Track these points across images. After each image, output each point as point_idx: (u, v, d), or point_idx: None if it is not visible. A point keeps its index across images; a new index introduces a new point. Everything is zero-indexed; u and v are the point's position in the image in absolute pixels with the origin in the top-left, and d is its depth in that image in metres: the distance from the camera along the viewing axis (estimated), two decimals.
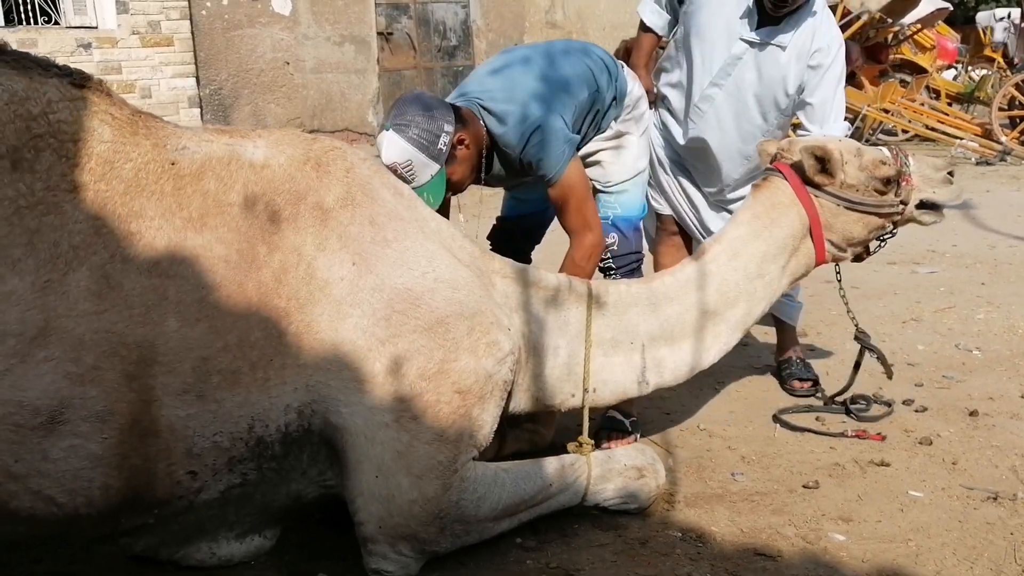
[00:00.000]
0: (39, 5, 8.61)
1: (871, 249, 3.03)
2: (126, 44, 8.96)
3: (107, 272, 1.98)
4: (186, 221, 2.10)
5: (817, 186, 2.79)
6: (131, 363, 1.97)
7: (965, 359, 4.07)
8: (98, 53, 8.78)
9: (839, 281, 3.18)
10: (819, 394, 3.60)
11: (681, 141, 3.49)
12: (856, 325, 3.24)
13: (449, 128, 2.76)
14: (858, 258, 3.06)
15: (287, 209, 2.22)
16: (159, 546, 2.23)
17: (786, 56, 3.22)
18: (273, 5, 9.96)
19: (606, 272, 3.38)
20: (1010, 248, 6.37)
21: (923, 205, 2.93)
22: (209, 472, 2.09)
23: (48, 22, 8.71)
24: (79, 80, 2.11)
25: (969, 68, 15.39)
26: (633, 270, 3.36)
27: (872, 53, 12.29)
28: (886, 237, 2.98)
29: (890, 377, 3.32)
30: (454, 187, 2.91)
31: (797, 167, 2.81)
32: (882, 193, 2.82)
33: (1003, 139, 11.42)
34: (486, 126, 2.94)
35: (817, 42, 3.21)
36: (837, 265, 3.07)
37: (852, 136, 3.83)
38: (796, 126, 3.52)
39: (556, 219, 3.18)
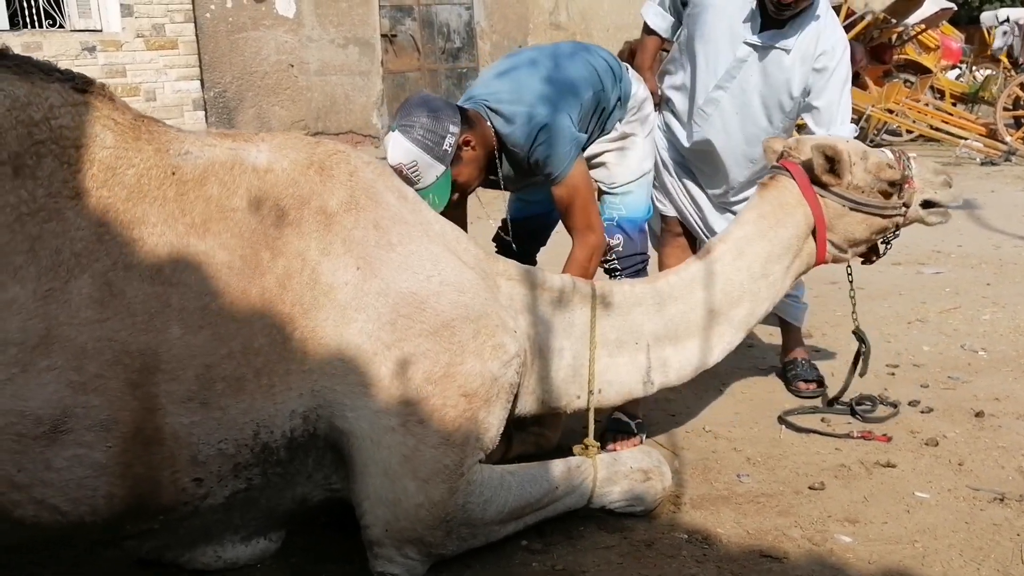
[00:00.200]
0: (43, 8, 8.63)
1: (880, 251, 3.03)
2: (130, 47, 8.97)
3: (109, 279, 1.97)
4: (189, 227, 2.09)
5: (824, 186, 2.78)
6: (134, 371, 1.96)
7: (971, 360, 4.06)
8: (102, 56, 8.79)
9: (851, 282, 3.18)
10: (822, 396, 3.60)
11: (685, 143, 3.49)
12: (856, 323, 3.24)
13: (455, 129, 2.76)
14: (867, 260, 3.06)
15: (291, 214, 2.21)
16: (164, 549, 2.23)
17: (790, 59, 3.22)
18: (277, 8, 9.97)
19: (611, 273, 3.38)
20: (1015, 248, 6.35)
21: (926, 204, 2.94)
22: (214, 479, 2.09)
23: (53, 25, 8.73)
24: (81, 85, 2.09)
25: (973, 68, 15.35)
26: (638, 271, 3.36)
27: (876, 53, 12.29)
28: (889, 239, 2.99)
29: (862, 375, 3.33)
30: (461, 188, 2.91)
31: (806, 166, 2.80)
32: (886, 196, 2.83)
33: (1008, 139, 11.40)
34: (494, 127, 2.94)
35: (822, 45, 3.20)
36: (849, 266, 3.07)
37: (857, 137, 3.82)
38: (801, 127, 3.52)
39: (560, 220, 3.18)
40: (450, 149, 2.75)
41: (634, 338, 2.69)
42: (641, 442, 3.18)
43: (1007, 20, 14.77)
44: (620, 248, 3.31)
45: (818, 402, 3.59)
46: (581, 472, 2.56)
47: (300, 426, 2.17)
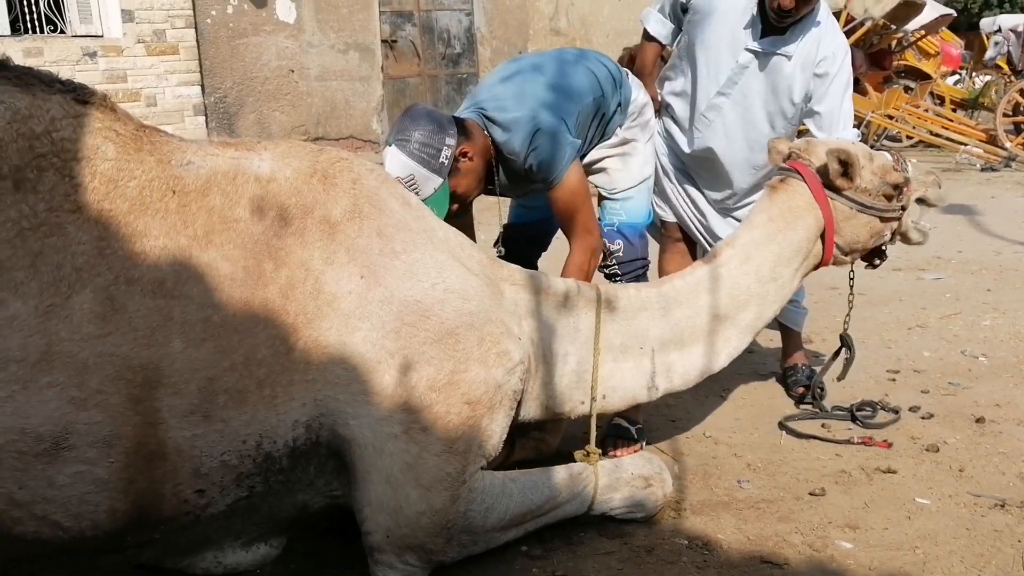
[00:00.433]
0: (45, 14, 8.65)
1: (886, 253, 3.04)
2: (131, 53, 9.00)
3: (111, 294, 1.95)
4: (191, 239, 2.07)
5: (836, 189, 2.79)
6: (136, 386, 1.95)
7: (971, 365, 4.07)
8: (103, 62, 8.81)
9: (851, 287, 3.18)
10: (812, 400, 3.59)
11: (686, 150, 3.49)
12: (846, 327, 3.24)
13: (451, 141, 2.79)
14: (872, 264, 3.07)
15: (294, 223, 2.20)
16: (164, 556, 2.23)
17: (791, 65, 3.23)
18: (278, 13, 10.00)
19: (611, 278, 3.38)
20: (1016, 254, 6.36)
21: (919, 202, 2.98)
22: (216, 489, 2.08)
23: (54, 31, 8.75)
24: (83, 96, 2.07)
25: (973, 74, 15.38)
26: (639, 276, 3.37)
27: (876, 59, 12.32)
28: (887, 244, 3.00)
29: (839, 379, 3.35)
30: (460, 199, 2.93)
31: (818, 170, 2.80)
32: (890, 198, 2.84)
33: (1008, 145, 11.42)
34: (491, 136, 2.95)
35: (822, 51, 3.21)
36: (852, 271, 3.08)
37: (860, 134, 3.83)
38: (802, 133, 3.53)
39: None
40: (447, 161, 2.78)
41: (639, 343, 2.69)
42: (642, 448, 3.18)
43: (999, 30, 14.80)
44: (621, 253, 3.32)
45: (824, 405, 3.58)
46: (582, 479, 2.56)
47: (303, 435, 2.16)
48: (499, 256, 3.27)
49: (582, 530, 2.63)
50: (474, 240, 3.26)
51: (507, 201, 3.52)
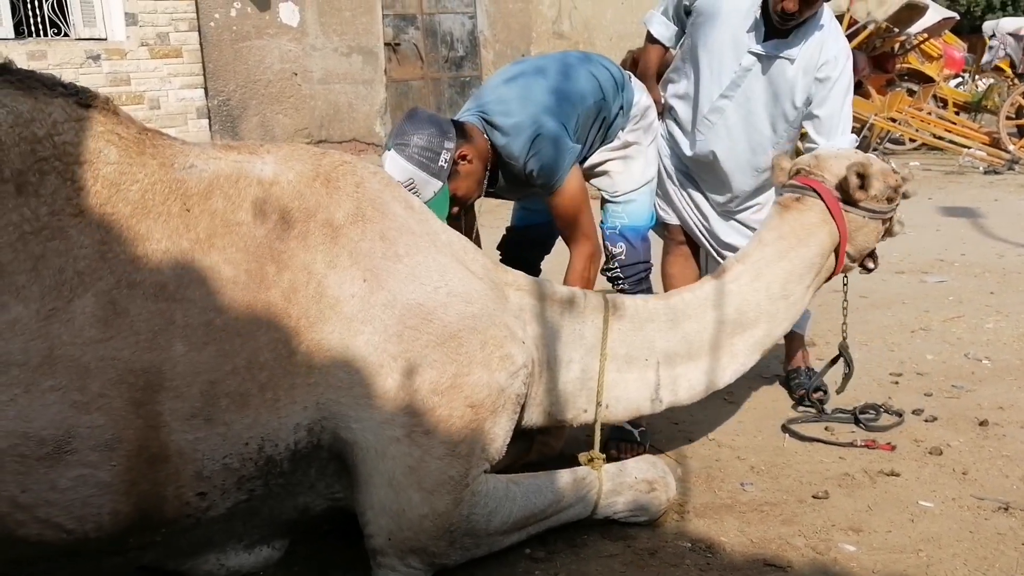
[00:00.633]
0: (49, 17, 8.66)
1: (877, 255, 3.04)
2: (135, 56, 9.01)
3: (113, 298, 1.95)
4: (193, 242, 2.07)
5: (854, 202, 2.78)
6: (138, 390, 1.95)
7: (975, 368, 4.06)
8: (107, 64, 8.82)
9: (845, 292, 3.17)
10: (811, 398, 3.59)
11: (688, 152, 3.49)
12: (844, 338, 3.22)
13: (449, 145, 2.79)
14: (867, 269, 3.06)
15: (297, 227, 2.20)
16: (166, 559, 2.23)
17: (794, 69, 3.23)
18: (281, 16, 10.01)
19: (614, 282, 3.38)
20: (1019, 257, 6.35)
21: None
22: (218, 492, 2.08)
23: (58, 34, 8.76)
24: (85, 99, 2.07)
25: (976, 77, 15.37)
26: (641, 279, 3.37)
27: (879, 62, 12.31)
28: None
29: (839, 392, 3.34)
30: (460, 202, 2.94)
31: (838, 186, 2.79)
32: (891, 200, 2.84)
33: (1011, 148, 11.41)
34: (491, 140, 2.96)
35: (824, 55, 3.21)
36: (846, 278, 3.08)
37: (859, 146, 3.84)
38: (802, 136, 3.52)
39: None
40: (446, 165, 2.79)
41: (645, 354, 2.67)
42: (645, 451, 3.18)
43: (993, 35, 14.78)
44: (623, 256, 3.32)
45: (826, 408, 3.58)
46: (586, 484, 2.56)
47: (304, 438, 2.16)
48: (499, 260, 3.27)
49: (585, 533, 2.63)
50: (479, 239, 3.27)
51: (510, 205, 3.53)
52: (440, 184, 2.79)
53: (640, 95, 3.34)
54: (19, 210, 1.92)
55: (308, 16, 10.22)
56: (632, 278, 3.34)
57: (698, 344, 2.70)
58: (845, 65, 3.25)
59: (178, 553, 2.22)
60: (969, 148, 11.40)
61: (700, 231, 3.62)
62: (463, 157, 2.86)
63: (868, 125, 11.21)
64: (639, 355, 2.67)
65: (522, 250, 3.43)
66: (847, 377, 3.24)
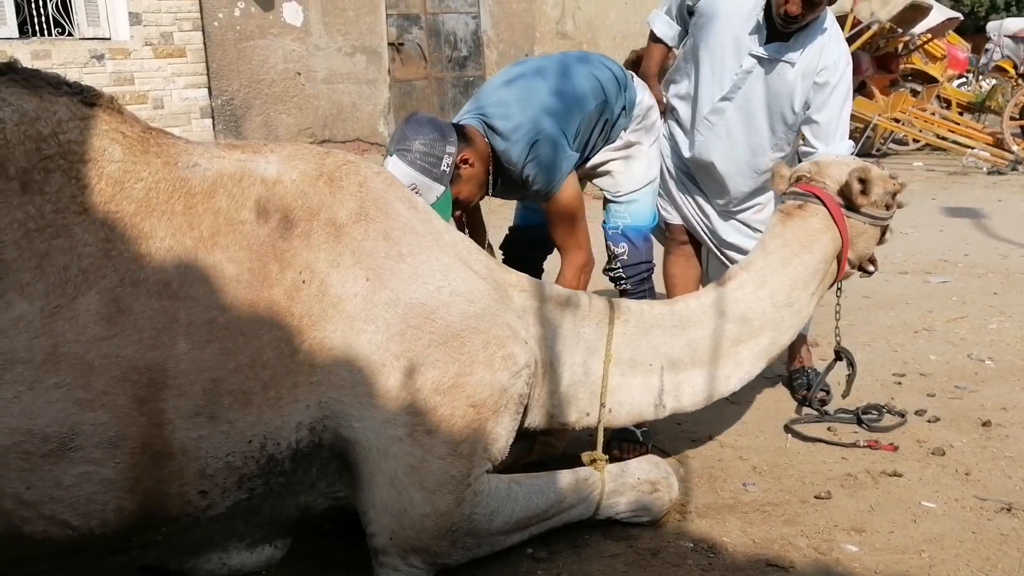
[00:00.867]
0: (53, 17, 8.68)
1: (875, 259, 3.04)
2: (139, 55, 9.01)
3: (117, 296, 1.96)
4: (197, 241, 2.08)
5: (856, 208, 2.78)
6: (142, 387, 1.95)
7: (978, 369, 4.06)
8: (111, 64, 8.83)
9: (838, 296, 3.15)
10: (814, 402, 3.58)
11: (687, 153, 3.49)
12: (838, 340, 3.19)
13: (451, 149, 2.80)
14: (867, 272, 3.06)
15: (300, 225, 2.20)
16: (168, 557, 2.23)
17: (794, 72, 3.22)
18: (285, 16, 10.01)
19: (616, 282, 3.38)
20: (1022, 258, 6.34)
21: None
22: (219, 490, 2.09)
23: (62, 33, 8.78)
24: (90, 98, 2.08)
25: (979, 77, 15.35)
26: (643, 280, 3.37)
27: (882, 63, 12.30)
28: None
29: (844, 396, 3.32)
30: (462, 205, 2.96)
31: (841, 192, 2.79)
32: (889, 207, 2.85)
33: (1015, 148, 11.39)
34: (490, 144, 2.96)
35: (824, 59, 3.20)
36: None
37: (862, 146, 3.84)
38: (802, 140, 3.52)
39: None
40: (448, 169, 2.80)
41: (648, 360, 2.67)
42: (647, 451, 3.18)
43: (989, 39, 14.78)
44: (625, 256, 3.32)
45: (828, 409, 3.58)
46: (588, 484, 2.56)
47: (306, 437, 2.16)
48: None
49: (587, 533, 2.63)
50: (486, 233, 3.28)
51: (512, 204, 3.53)
52: (443, 188, 2.80)
53: (643, 95, 3.33)
54: (24, 208, 1.93)
55: (312, 16, 10.23)
56: (634, 278, 3.34)
57: (703, 351, 2.69)
58: (845, 71, 3.24)
59: (180, 552, 2.22)
60: (973, 148, 11.38)
61: (703, 230, 3.62)
62: (465, 161, 2.87)
63: (872, 125, 11.20)
64: (643, 360, 2.66)
65: (524, 250, 3.43)
66: (851, 379, 3.23)
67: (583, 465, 2.62)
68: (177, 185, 2.11)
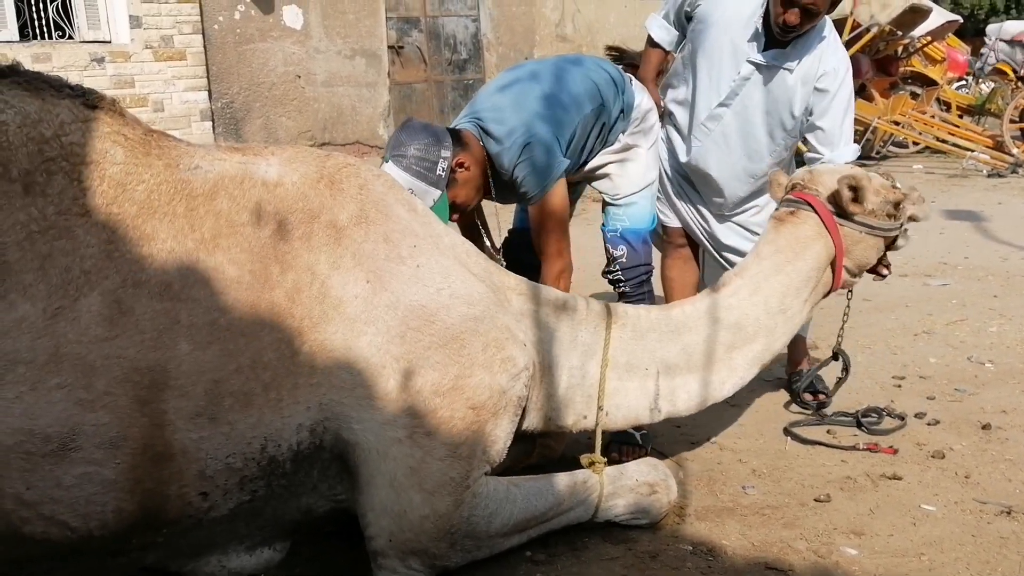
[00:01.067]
0: (53, 20, 8.69)
1: (889, 264, 3.03)
2: (139, 58, 9.02)
3: (119, 297, 1.97)
4: (198, 242, 2.09)
5: (847, 216, 2.78)
6: (143, 388, 1.96)
7: (978, 372, 4.06)
8: (111, 67, 8.83)
9: (848, 300, 3.16)
10: (816, 404, 3.58)
11: (683, 158, 3.49)
12: (839, 341, 3.19)
13: (446, 153, 2.82)
14: (879, 275, 3.05)
15: (300, 228, 2.21)
16: (168, 560, 2.23)
17: (792, 79, 3.23)
18: (285, 19, 10.03)
19: (615, 284, 3.39)
20: (1022, 260, 6.34)
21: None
22: (220, 492, 2.09)
23: (62, 36, 8.78)
24: (92, 100, 2.09)
25: (979, 80, 15.35)
26: (642, 282, 3.38)
27: (882, 66, 12.29)
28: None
29: (829, 396, 3.34)
30: (460, 208, 2.98)
31: (831, 199, 2.79)
32: (891, 217, 2.84)
33: (1015, 151, 11.39)
34: (485, 148, 2.98)
35: (824, 66, 3.20)
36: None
37: (862, 149, 3.83)
38: (804, 141, 3.52)
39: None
40: (443, 173, 2.82)
41: (645, 364, 2.67)
42: (646, 453, 3.18)
43: (984, 44, 14.79)
44: (624, 259, 3.33)
45: (828, 412, 3.57)
46: (587, 486, 2.56)
47: (307, 439, 2.17)
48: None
49: (586, 535, 2.63)
50: (488, 234, 3.29)
51: (511, 208, 3.53)
52: (439, 193, 2.83)
53: (641, 97, 3.34)
54: (26, 209, 1.94)
55: (312, 19, 10.24)
56: (633, 280, 3.35)
57: (697, 356, 2.70)
58: (845, 76, 3.24)
59: (180, 554, 2.22)
60: (973, 151, 11.38)
61: (701, 233, 3.63)
62: (460, 164, 2.89)
63: (871, 128, 11.21)
64: (639, 364, 2.67)
65: (523, 252, 3.43)
66: (840, 382, 3.24)
67: (581, 468, 2.62)
68: (179, 187, 2.12)
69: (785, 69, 3.22)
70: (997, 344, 4.44)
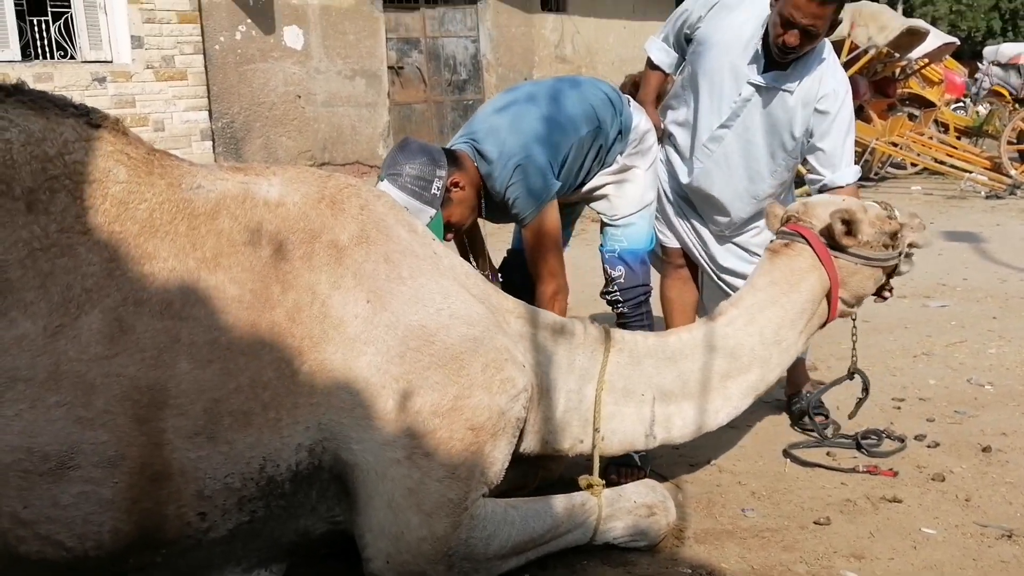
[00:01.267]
0: (55, 40, 8.73)
1: (892, 287, 3.02)
2: (140, 78, 9.07)
3: (119, 315, 1.97)
4: (200, 262, 2.09)
5: (841, 248, 2.79)
6: (142, 407, 1.96)
7: (977, 394, 4.05)
8: (113, 87, 8.88)
9: (853, 319, 3.15)
10: (821, 427, 3.56)
11: (684, 180, 3.50)
12: (854, 360, 3.17)
13: (441, 173, 2.84)
14: (882, 298, 3.03)
15: (301, 247, 2.22)
16: None
17: (793, 100, 3.24)
18: (285, 40, 10.08)
19: (613, 305, 3.39)
20: (1021, 282, 6.35)
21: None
22: (219, 512, 2.08)
23: (64, 57, 8.83)
24: (96, 120, 2.11)
25: (976, 102, 15.44)
26: (640, 303, 3.38)
27: (880, 87, 12.37)
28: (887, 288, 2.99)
29: (850, 417, 3.28)
30: (454, 228, 3.00)
31: (823, 232, 2.80)
32: (888, 247, 2.84)
33: (1013, 172, 11.42)
34: (478, 167, 3.00)
35: (824, 87, 3.22)
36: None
37: (860, 170, 3.83)
38: (804, 162, 3.53)
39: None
40: (438, 193, 2.84)
41: (641, 389, 2.67)
42: (645, 475, 3.17)
43: (979, 68, 14.89)
44: (622, 280, 3.33)
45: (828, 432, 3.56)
46: (585, 509, 2.55)
47: (306, 459, 2.16)
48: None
49: (585, 558, 2.61)
50: (487, 256, 3.29)
51: (510, 227, 3.53)
52: (434, 212, 2.84)
53: (639, 118, 3.35)
54: (29, 227, 1.95)
55: (312, 39, 10.30)
56: (631, 301, 3.35)
57: (693, 384, 2.70)
58: (845, 98, 3.26)
59: (178, 575, 2.21)
60: (971, 173, 11.42)
61: (700, 254, 3.63)
62: (455, 184, 2.91)
63: (869, 149, 11.25)
64: (636, 389, 2.67)
65: (522, 271, 3.43)
66: (860, 402, 3.20)
67: (580, 490, 2.61)
68: (180, 206, 2.13)
69: (785, 91, 3.24)
70: (996, 366, 4.44)
